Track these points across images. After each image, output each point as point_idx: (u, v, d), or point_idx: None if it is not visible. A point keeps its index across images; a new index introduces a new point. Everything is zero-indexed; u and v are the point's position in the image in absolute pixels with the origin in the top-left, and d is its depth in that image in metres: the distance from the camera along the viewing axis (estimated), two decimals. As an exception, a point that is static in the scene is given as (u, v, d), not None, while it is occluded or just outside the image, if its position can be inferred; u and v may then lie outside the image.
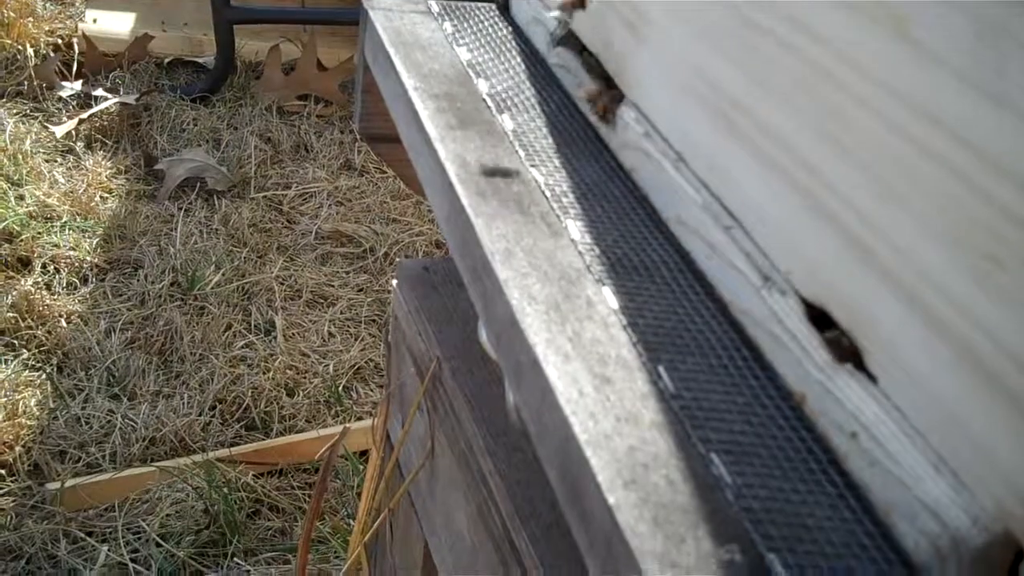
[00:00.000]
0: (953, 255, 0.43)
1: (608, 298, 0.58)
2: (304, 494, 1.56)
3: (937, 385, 0.43)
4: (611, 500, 0.44)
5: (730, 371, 0.53)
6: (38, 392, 1.70)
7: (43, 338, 1.82)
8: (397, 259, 2.18)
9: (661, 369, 0.53)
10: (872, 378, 0.47)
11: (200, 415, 1.70)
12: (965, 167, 0.42)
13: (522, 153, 0.73)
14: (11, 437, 1.60)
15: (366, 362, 1.87)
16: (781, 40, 0.55)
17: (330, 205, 2.32)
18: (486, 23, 0.97)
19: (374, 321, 1.99)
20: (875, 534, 0.44)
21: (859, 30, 0.49)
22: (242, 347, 1.87)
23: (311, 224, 2.24)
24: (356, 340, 1.93)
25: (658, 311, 0.58)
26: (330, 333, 1.95)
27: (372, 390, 1.81)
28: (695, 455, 0.47)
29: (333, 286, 2.07)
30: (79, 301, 1.93)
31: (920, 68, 0.45)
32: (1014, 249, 0.40)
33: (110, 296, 1.95)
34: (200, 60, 2.85)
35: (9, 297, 1.88)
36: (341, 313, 2.00)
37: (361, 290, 2.08)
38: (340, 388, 1.81)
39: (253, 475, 1.60)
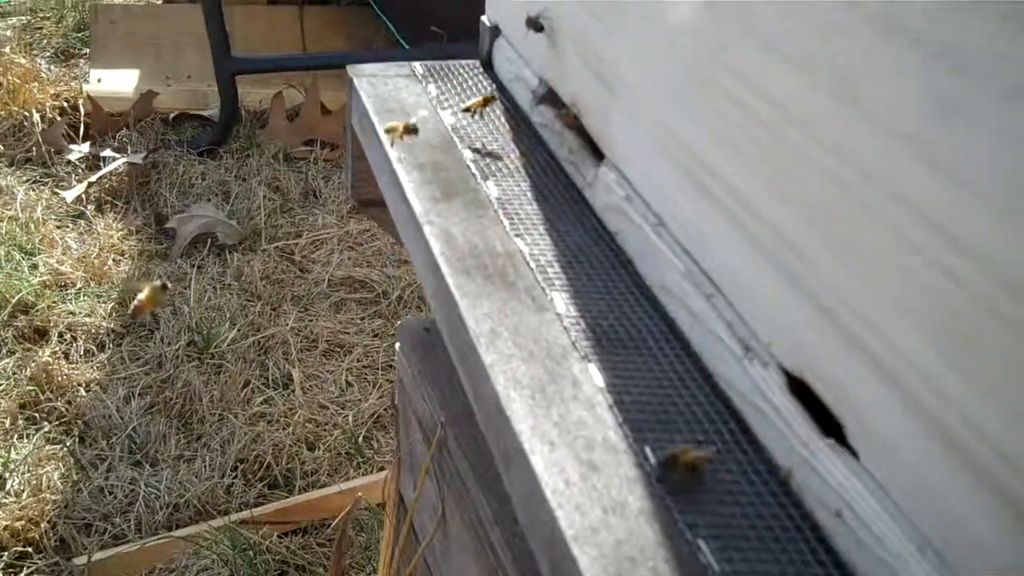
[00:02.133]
0: (925, 334, 0.42)
1: (594, 375, 0.58)
2: (329, 552, 1.56)
3: (916, 462, 0.43)
4: (597, 600, 0.44)
5: (717, 447, 0.53)
6: (61, 465, 1.71)
7: (63, 409, 1.83)
8: (411, 302, 2.18)
9: (647, 450, 0.53)
10: (854, 453, 0.47)
11: (222, 477, 1.70)
12: (927, 243, 0.42)
13: (507, 223, 0.73)
14: (36, 513, 1.60)
15: (385, 409, 1.87)
16: (740, 101, 0.55)
17: (341, 251, 2.32)
18: (470, 83, 0.97)
19: (391, 366, 1.99)
20: (866, 616, 0.44)
21: (817, 96, 0.49)
22: (261, 403, 1.87)
23: (323, 272, 2.25)
24: (374, 387, 1.94)
25: (644, 386, 0.57)
26: (348, 382, 1.95)
27: (392, 438, 1.81)
28: (682, 543, 0.47)
29: (348, 333, 2.08)
30: (97, 368, 1.94)
31: (874, 138, 0.45)
32: (979, 327, 0.39)
33: (128, 361, 1.96)
34: (205, 113, 2.87)
35: (28, 370, 1.89)
36: (358, 361, 2.00)
37: (376, 335, 2.08)
38: (360, 439, 1.81)
39: (277, 535, 1.60)
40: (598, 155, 0.76)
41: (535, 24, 0.85)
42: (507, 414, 0.55)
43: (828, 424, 0.49)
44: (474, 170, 0.81)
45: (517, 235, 0.72)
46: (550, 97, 0.86)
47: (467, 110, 0.89)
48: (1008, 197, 0.38)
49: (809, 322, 0.50)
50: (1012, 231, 0.38)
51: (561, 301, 0.64)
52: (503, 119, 0.90)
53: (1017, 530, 0.38)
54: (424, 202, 0.76)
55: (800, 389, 0.51)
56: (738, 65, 0.56)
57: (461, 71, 1.00)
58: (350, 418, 1.85)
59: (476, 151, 0.84)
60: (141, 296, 0.94)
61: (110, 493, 1.66)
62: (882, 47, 0.44)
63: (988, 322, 0.39)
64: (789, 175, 0.51)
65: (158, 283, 1.11)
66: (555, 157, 0.83)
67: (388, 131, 0.84)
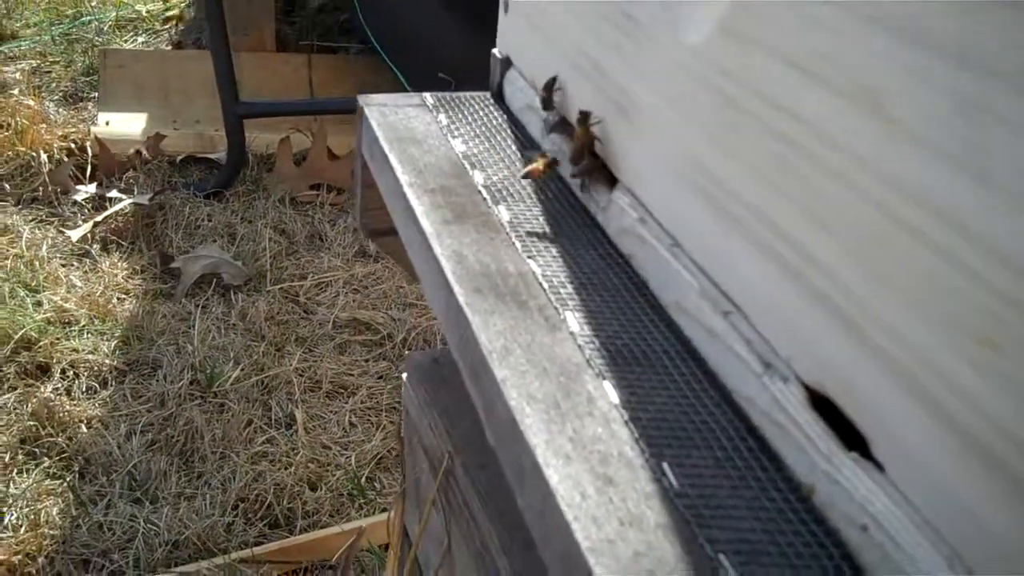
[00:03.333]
0: (950, 340, 0.41)
1: (609, 392, 0.57)
2: (329, 592, 1.54)
3: (944, 474, 0.42)
4: (615, 612, 0.43)
5: (736, 463, 0.52)
6: (60, 500, 1.69)
7: (64, 445, 1.82)
8: (415, 344, 2.17)
9: (665, 465, 0.51)
10: (879, 467, 0.46)
11: (223, 515, 1.69)
12: (953, 248, 0.41)
13: (519, 245, 0.72)
14: (34, 548, 1.58)
15: (388, 451, 1.86)
16: (762, 120, 0.54)
17: (346, 293, 2.32)
18: (480, 112, 0.97)
19: (395, 408, 1.97)
20: (892, 632, 0.43)
21: (835, 108, 0.48)
22: (263, 443, 1.86)
23: (328, 313, 2.24)
24: (378, 429, 1.92)
25: (660, 403, 0.56)
26: (351, 423, 1.94)
27: (395, 480, 1.79)
28: (703, 558, 0.46)
29: (352, 375, 2.07)
30: (99, 405, 1.93)
31: (900, 147, 0.44)
32: (1010, 332, 0.38)
33: (130, 398, 1.95)
34: (212, 156, 2.87)
35: (29, 405, 1.88)
36: (361, 402, 1.99)
37: (381, 377, 2.07)
38: (363, 480, 1.79)
39: (278, 574, 1.58)
40: (611, 180, 0.76)
41: (547, 102, 0.83)
42: (521, 428, 0.54)
43: (851, 438, 0.48)
44: (485, 195, 0.80)
45: (529, 257, 0.71)
46: (561, 125, 0.85)
47: (527, 176, 0.83)
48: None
49: (832, 335, 0.49)
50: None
51: (575, 320, 0.63)
52: (514, 148, 0.89)
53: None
54: (435, 224, 0.75)
55: (821, 404, 0.50)
56: (753, 81, 0.55)
57: (471, 102, 1.00)
58: (353, 459, 1.83)
59: (488, 177, 0.83)
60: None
61: (109, 529, 1.65)
62: (905, 56, 0.44)
63: (1022, 329, 0.38)
64: (810, 189, 0.51)
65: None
66: (567, 184, 0.82)
67: (527, 175, 0.82)
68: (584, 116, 0.77)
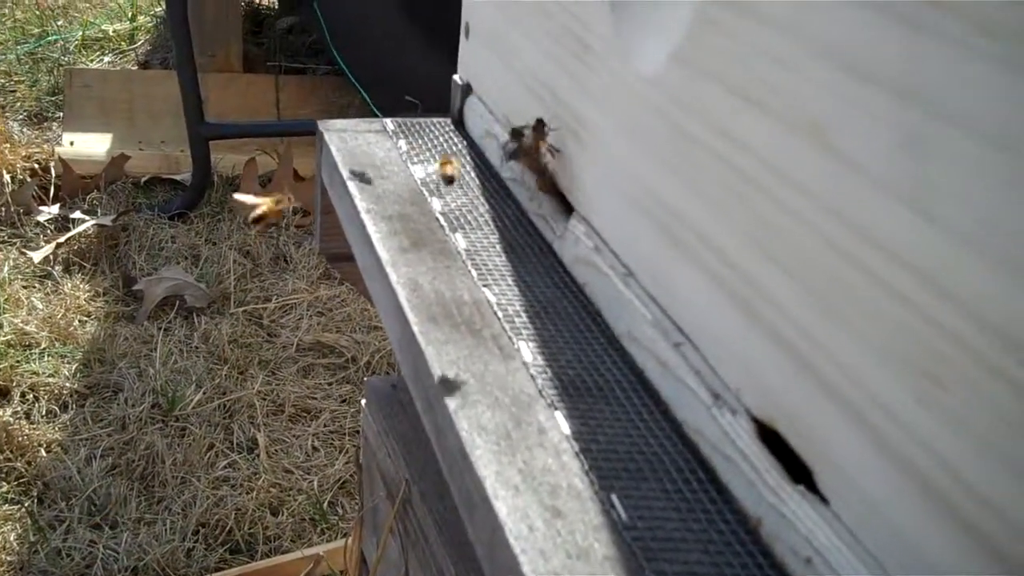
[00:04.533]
0: (895, 374, 0.41)
1: (560, 423, 0.57)
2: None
3: (888, 508, 0.42)
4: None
5: (685, 496, 0.52)
6: (18, 526, 1.68)
7: (23, 470, 1.80)
8: (380, 368, 2.16)
9: (614, 497, 0.51)
10: (824, 500, 0.46)
11: (183, 541, 1.67)
12: (898, 283, 0.41)
13: (475, 273, 0.72)
14: (-10, 575, 1.57)
15: (351, 475, 1.85)
16: (712, 150, 0.55)
17: (311, 316, 2.31)
18: (441, 139, 0.97)
19: (359, 432, 1.96)
20: (837, 667, 0.43)
21: (783, 139, 0.48)
22: (224, 467, 1.84)
23: (292, 336, 2.23)
24: (341, 453, 1.91)
25: (611, 434, 0.56)
26: (314, 447, 1.92)
27: (358, 504, 1.78)
28: (648, 591, 0.46)
29: (316, 398, 2.05)
30: (59, 429, 1.91)
31: (845, 180, 0.44)
32: (954, 369, 0.39)
33: (90, 422, 1.93)
34: (177, 177, 2.86)
35: (-13, 429, 1.86)
36: (325, 426, 1.98)
37: (344, 401, 2.06)
38: (325, 504, 1.78)
39: (238, 600, 1.57)
40: (568, 208, 0.76)
41: (519, 135, 0.82)
42: (471, 460, 0.53)
43: (798, 471, 0.48)
44: (443, 222, 0.80)
45: (485, 285, 0.71)
46: (520, 152, 0.86)
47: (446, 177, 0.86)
48: (987, 237, 0.37)
49: (779, 367, 0.49)
50: (992, 273, 0.37)
51: (528, 350, 0.63)
52: (473, 174, 0.89)
53: (991, 572, 0.37)
54: (391, 252, 0.75)
55: (770, 436, 0.50)
56: (704, 111, 0.56)
57: (432, 128, 1.00)
58: (315, 483, 1.82)
59: (446, 204, 0.83)
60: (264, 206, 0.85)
61: (67, 555, 1.63)
62: (851, 90, 0.44)
63: (967, 366, 0.38)
64: (759, 220, 0.51)
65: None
66: (525, 211, 0.83)
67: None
68: (540, 124, 0.77)
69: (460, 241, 0.77)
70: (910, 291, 0.41)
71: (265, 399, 2.03)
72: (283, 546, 1.69)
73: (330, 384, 2.11)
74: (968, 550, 0.38)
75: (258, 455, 1.88)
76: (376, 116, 2.87)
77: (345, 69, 2.95)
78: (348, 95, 3.08)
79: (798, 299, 0.48)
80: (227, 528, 1.71)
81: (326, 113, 3.10)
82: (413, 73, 2.58)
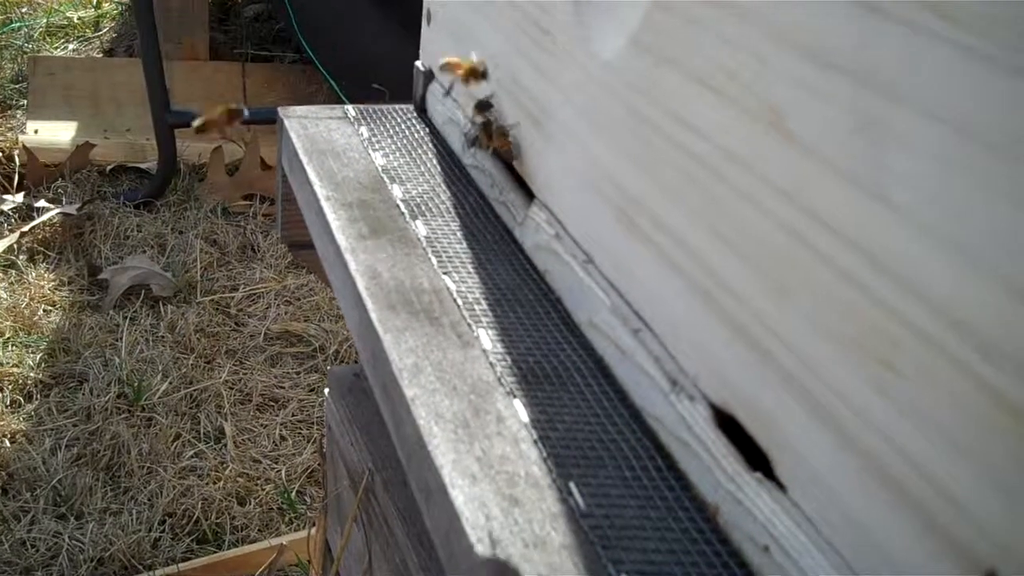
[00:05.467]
0: (850, 360, 0.41)
1: (519, 411, 0.56)
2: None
3: (844, 495, 0.42)
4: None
5: (644, 483, 0.52)
6: (-19, 518, 1.66)
7: (-14, 461, 1.79)
8: (348, 357, 2.15)
9: (572, 485, 0.51)
10: (781, 487, 0.45)
11: (150, 531, 1.66)
12: (853, 269, 0.41)
13: (435, 260, 0.72)
14: (-47, 567, 1.55)
15: (319, 464, 1.84)
16: (670, 136, 0.54)
17: (278, 305, 2.29)
18: (403, 126, 0.96)
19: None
20: (793, 654, 0.43)
21: (740, 125, 0.48)
22: (191, 457, 1.83)
23: (259, 325, 2.21)
24: (309, 442, 1.90)
25: (570, 422, 0.56)
26: (282, 436, 1.91)
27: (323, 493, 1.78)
28: (605, 579, 0.45)
29: (284, 387, 2.04)
30: (23, 419, 1.89)
31: (801, 165, 0.44)
32: (908, 355, 0.38)
33: (55, 412, 1.91)
34: (143, 166, 2.83)
35: (-50, 420, 1.84)
36: (293, 415, 1.97)
37: (312, 390, 2.05)
38: (293, 494, 1.77)
39: (204, 591, 1.56)
40: (529, 195, 0.75)
41: (484, 105, 0.82)
42: (428, 448, 0.53)
43: (756, 458, 0.48)
44: (403, 209, 0.79)
45: (445, 273, 0.70)
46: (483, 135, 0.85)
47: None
48: (938, 221, 0.37)
49: (737, 355, 0.49)
50: (946, 258, 0.37)
51: (487, 338, 0.63)
52: (435, 161, 0.89)
53: (946, 560, 0.36)
54: (350, 239, 0.74)
55: (727, 423, 0.50)
56: (663, 97, 0.55)
57: (394, 115, 0.99)
58: (283, 473, 1.81)
59: (407, 191, 0.82)
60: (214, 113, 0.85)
61: (32, 546, 1.61)
62: (810, 75, 0.44)
63: (923, 352, 0.38)
64: (716, 207, 0.50)
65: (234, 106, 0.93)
66: (486, 198, 0.82)
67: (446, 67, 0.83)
68: (483, 104, 0.78)
69: (420, 228, 0.76)
70: (864, 276, 0.40)
71: (232, 388, 2.02)
72: (250, 536, 1.68)
73: (298, 373, 2.10)
74: (925, 539, 0.38)
75: (225, 445, 1.87)
76: (343, 103, 2.86)
77: (312, 57, 2.93)
78: (315, 83, 3.06)
79: (753, 285, 0.47)
80: (194, 518, 1.70)
81: (293, 101, 3.08)
82: (381, 60, 2.57)
